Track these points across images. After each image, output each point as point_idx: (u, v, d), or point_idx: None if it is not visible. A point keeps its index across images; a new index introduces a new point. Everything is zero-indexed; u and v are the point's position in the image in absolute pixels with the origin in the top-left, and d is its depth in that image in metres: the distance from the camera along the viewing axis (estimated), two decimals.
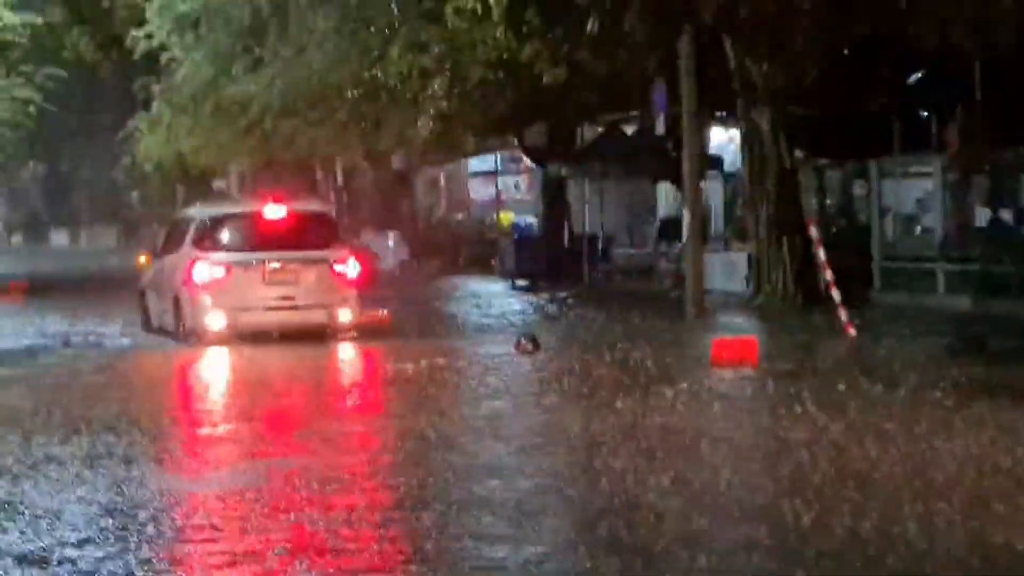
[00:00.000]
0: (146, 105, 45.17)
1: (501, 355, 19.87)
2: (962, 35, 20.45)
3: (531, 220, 45.10)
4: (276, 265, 22.30)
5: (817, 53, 22.52)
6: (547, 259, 36.72)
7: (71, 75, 47.45)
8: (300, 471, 11.32)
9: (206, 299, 22.15)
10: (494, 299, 31.71)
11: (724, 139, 35.41)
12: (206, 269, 22.31)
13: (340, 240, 23.84)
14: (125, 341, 23.97)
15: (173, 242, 24.11)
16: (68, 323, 27.04)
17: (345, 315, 22.48)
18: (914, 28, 21.43)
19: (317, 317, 22.34)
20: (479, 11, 22.86)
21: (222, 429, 14.36)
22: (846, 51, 25.28)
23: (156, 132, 43.65)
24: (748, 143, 27.38)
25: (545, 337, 21.31)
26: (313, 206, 25.04)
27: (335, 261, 22.67)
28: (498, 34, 23.91)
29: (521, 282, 36.14)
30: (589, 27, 20.95)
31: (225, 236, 23.03)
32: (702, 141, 29.21)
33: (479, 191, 53.53)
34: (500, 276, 38.47)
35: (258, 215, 23.08)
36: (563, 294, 31.89)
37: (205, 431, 14.39)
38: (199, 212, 24.42)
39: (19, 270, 47.79)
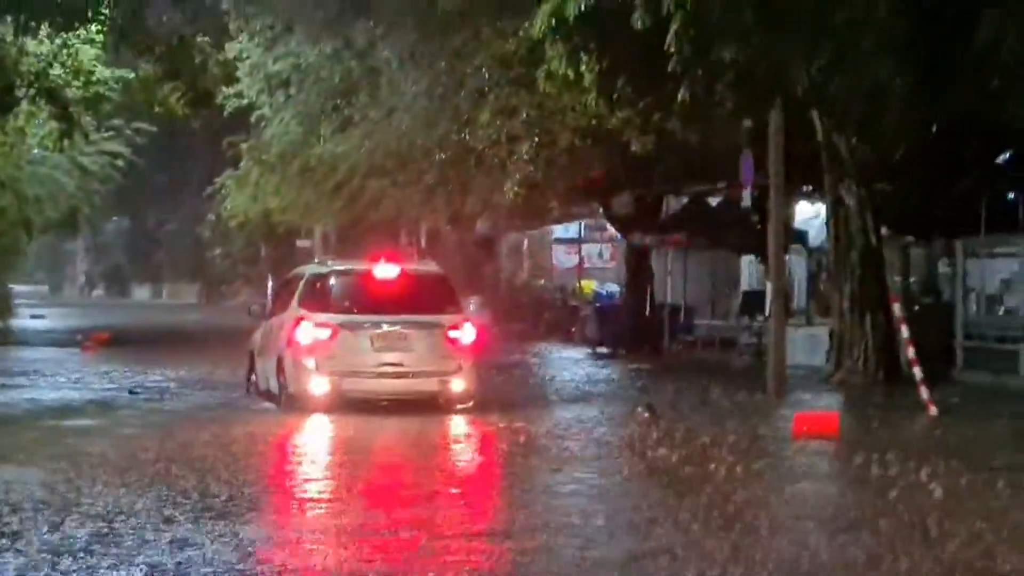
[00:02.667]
0: (234, 162, 45.63)
1: (605, 424, 19.90)
2: None
3: (613, 288, 45.19)
4: (386, 328, 20.90)
5: (907, 130, 22.45)
6: (628, 328, 36.70)
7: (160, 131, 47.95)
8: None
9: (309, 362, 20.75)
10: (577, 367, 31.68)
11: (810, 213, 35.38)
12: (310, 330, 20.92)
13: (456, 304, 22.13)
14: (212, 399, 23.38)
15: (282, 301, 22.97)
16: (161, 380, 27.13)
17: (459, 384, 20.99)
18: (1006, 108, 21.33)
19: (428, 386, 20.90)
20: (571, 77, 22.88)
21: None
22: (935, 128, 25.18)
23: (243, 189, 44.14)
24: (834, 218, 27.32)
25: (631, 407, 21.36)
26: (429, 267, 23.40)
27: (450, 326, 21.16)
28: (589, 101, 23.96)
29: (602, 350, 36.15)
30: (680, 96, 20.97)
31: (333, 296, 21.78)
32: (787, 215, 29.12)
33: (562, 258, 53.73)
34: (580, 343, 38.49)
35: (369, 275, 21.76)
36: (645, 364, 31.89)
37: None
38: (309, 269, 23.15)
39: (102, 322, 48.28)
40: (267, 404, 21.87)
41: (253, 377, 23.57)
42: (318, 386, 20.64)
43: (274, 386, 21.79)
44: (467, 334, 21.25)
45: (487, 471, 16.09)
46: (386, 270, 21.62)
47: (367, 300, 21.42)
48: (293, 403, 20.84)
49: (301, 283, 22.18)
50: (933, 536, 11.31)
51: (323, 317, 21.01)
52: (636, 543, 11.04)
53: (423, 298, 21.53)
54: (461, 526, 11.85)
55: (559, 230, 51.43)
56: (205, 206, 68.60)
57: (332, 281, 22.12)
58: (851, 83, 21.59)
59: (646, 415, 20.05)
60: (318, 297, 21.61)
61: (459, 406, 20.90)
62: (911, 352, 22.02)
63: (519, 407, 21.80)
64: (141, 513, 12.08)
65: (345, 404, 20.47)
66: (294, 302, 21.68)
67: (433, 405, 20.79)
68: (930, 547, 10.89)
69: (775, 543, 11.19)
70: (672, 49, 20.17)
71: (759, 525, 11.92)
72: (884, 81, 21.21)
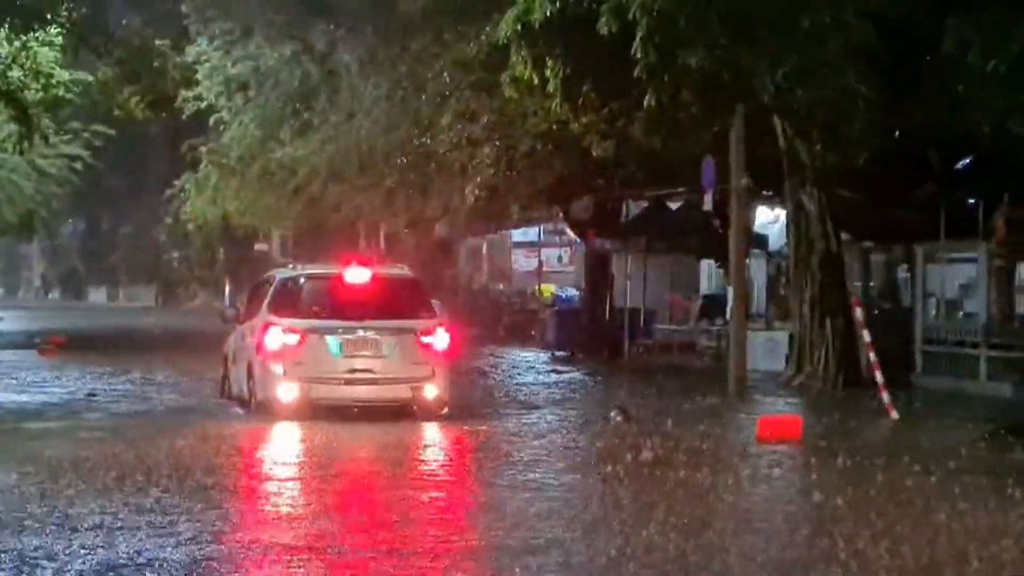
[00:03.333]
0: (193, 165, 45.49)
1: (570, 428, 19.93)
2: (1020, 125, 20.50)
3: (573, 292, 45.28)
4: (356, 334, 20.35)
5: (870, 138, 22.58)
6: (588, 332, 36.78)
7: (116, 134, 47.83)
8: None
9: (277, 368, 20.22)
10: (538, 371, 31.74)
11: (769, 218, 35.55)
12: (278, 335, 20.32)
13: (429, 308, 21.35)
14: (176, 403, 23.21)
15: (254, 306, 22.27)
16: (120, 383, 27.07)
17: (432, 391, 20.41)
18: (970, 116, 21.48)
19: (400, 392, 20.37)
20: (535, 82, 22.90)
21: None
22: (897, 135, 25.33)
23: (203, 193, 43.96)
24: (795, 223, 27.48)
25: (593, 410, 21.42)
26: (401, 271, 22.69)
27: (422, 331, 20.57)
28: (553, 106, 23.98)
29: (560, 353, 36.21)
30: (646, 102, 21.04)
31: (303, 300, 21.17)
32: (748, 219, 29.25)
33: (521, 262, 53.83)
34: (540, 347, 38.54)
35: (340, 279, 21.13)
36: (604, 368, 31.99)
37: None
38: (279, 274, 22.50)
39: (58, 325, 48.06)
40: (236, 409, 21.56)
41: (227, 383, 23.18)
42: (286, 392, 20.13)
43: (245, 392, 21.43)
44: (440, 339, 20.68)
45: (458, 483, 15.52)
46: (357, 274, 21.09)
47: (337, 305, 20.84)
48: (262, 409, 20.40)
49: (271, 288, 21.65)
50: (898, 536, 11.43)
51: (291, 322, 20.46)
52: (620, 551, 11.09)
53: (395, 302, 21.01)
54: (430, 544, 11.25)
55: (518, 234, 51.52)
56: (161, 209, 68.39)
57: (302, 285, 21.59)
58: (816, 90, 21.67)
59: (619, 419, 20.10)
60: (287, 302, 21.05)
61: (432, 413, 20.41)
62: (872, 356, 22.17)
63: (486, 414, 21.67)
64: (90, 521, 12.01)
65: (314, 411, 20.01)
66: (264, 307, 21.14)
67: (405, 413, 20.35)
68: (896, 547, 10.98)
69: (752, 545, 11.30)
70: (638, 55, 20.24)
71: (737, 528, 12.04)
72: (849, 88, 21.30)
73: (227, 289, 74.99)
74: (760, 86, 21.94)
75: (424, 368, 20.47)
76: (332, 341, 20.26)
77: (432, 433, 19.42)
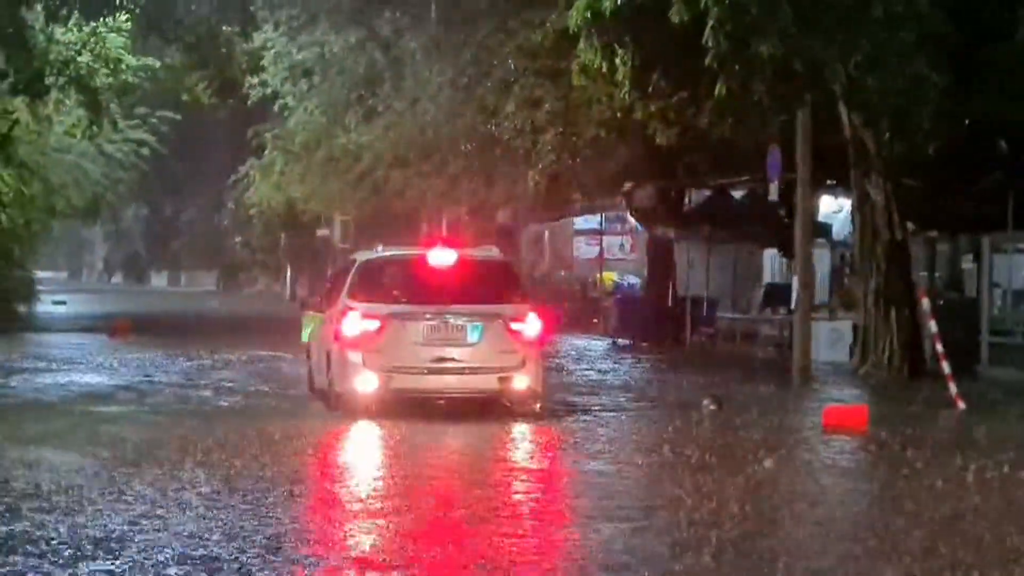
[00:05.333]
0: (258, 151, 45.79)
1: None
2: None
3: (634, 280, 45.32)
4: (440, 320, 18.93)
5: (940, 126, 22.51)
6: (650, 320, 36.79)
7: (182, 120, 48.13)
8: None
9: (356, 357, 18.80)
10: (604, 359, 31.78)
11: (833, 207, 35.46)
12: (357, 322, 18.92)
13: (521, 293, 19.96)
14: (247, 390, 22.86)
15: (335, 292, 20.68)
16: (188, 367, 27.27)
17: (522, 382, 18.92)
18: None
19: (488, 383, 18.94)
20: (604, 71, 22.93)
21: None
22: (966, 124, 25.24)
23: (267, 178, 44.28)
24: (860, 213, 27.38)
25: (678, 399, 21.42)
26: (490, 253, 21.17)
27: (512, 318, 19.07)
28: (621, 95, 24.01)
29: (623, 341, 36.27)
30: (717, 91, 21.05)
31: (383, 285, 19.79)
32: (812, 208, 29.20)
33: (583, 249, 53.86)
34: (601, 335, 38.61)
35: (424, 261, 19.66)
36: (666, 355, 32.04)
37: None
38: (360, 257, 21.10)
39: (123, 308, 48.45)
40: (315, 402, 20.60)
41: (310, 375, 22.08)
42: (365, 383, 18.76)
43: (324, 383, 20.20)
44: (532, 326, 19.18)
45: (556, 487, 14.26)
46: (442, 256, 19.62)
47: (421, 289, 19.41)
48: (341, 401, 19.18)
49: (351, 272, 20.26)
50: (966, 527, 11.45)
51: (371, 307, 19.07)
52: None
53: (483, 286, 19.57)
54: (526, 557, 10.20)
55: (580, 221, 51.55)
56: (224, 194, 68.90)
57: (383, 269, 20.28)
58: (886, 79, 21.61)
59: (712, 408, 20.08)
60: (368, 286, 19.66)
61: (523, 406, 19.11)
62: (939, 347, 22.09)
63: (570, 405, 20.94)
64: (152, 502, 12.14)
65: (395, 403, 18.76)
66: (343, 292, 19.77)
67: (494, 406, 19.09)
68: (963, 538, 11.00)
69: (825, 533, 11.36)
70: (709, 44, 20.27)
71: (807, 516, 12.09)
72: (919, 77, 21.25)
73: (288, 274, 75.50)
74: (831, 75, 21.92)
75: (514, 357, 18.97)
76: (415, 328, 18.92)
77: (522, 428, 18.18)
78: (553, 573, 9.81)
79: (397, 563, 9.85)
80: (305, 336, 22.71)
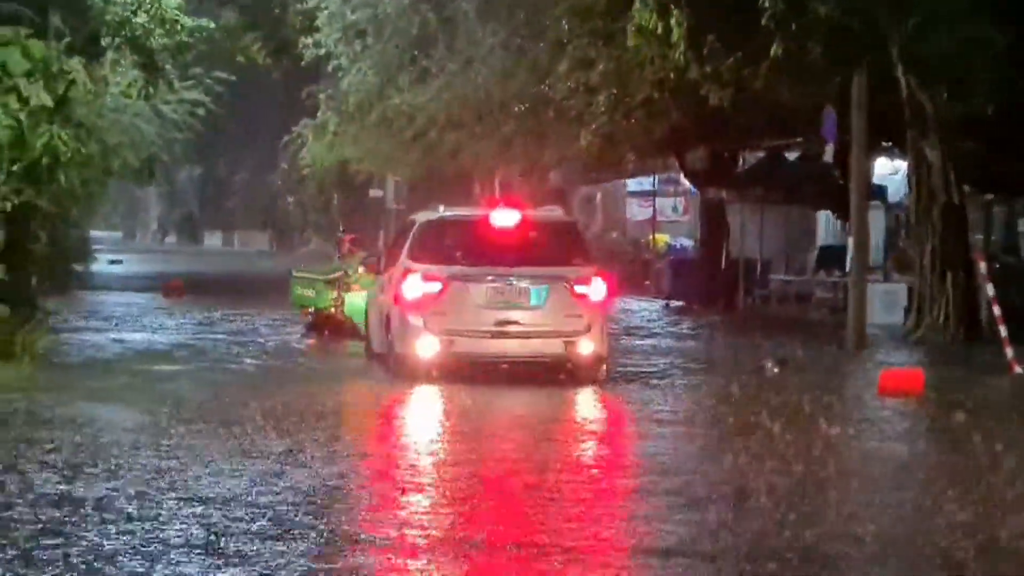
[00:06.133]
0: (311, 112, 45.82)
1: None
2: None
3: (687, 242, 45.21)
4: (504, 282, 18.53)
5: (997, 87, 22.34)
6: (702, 282, 36.73)
7: (235, 81, 48.21)
8: None
9: (417, 320, 18.47)
10: (658, 321, 31.75)
11: (888, 169, 35.27)
12: (418, 283, 18.59)
13: (586, 255, 19.45)
14: (305, 351, 23.15)
15: (394, 254, 20.39)
16: (246, 327, 27.38)
17: (587, 346, 18.45)
18: None
19: (552, 347, 18.46)
20: (659, 32, 22.83)
21: None
22: None
23: (321, 139, 44.31)
24: (916, 175, 27.25)
25: (721, 361, 21.38)
26: (554, 213, 20.83)
27: (577, 280, 18.61)
28: (674, 55, 23.91)
29: (675, 303, 36.24)
30: (773, 52, 20.95)
31: (445, 246, 19.32)
32: (867, 170, 29.04)
33: (635, 211, 53.76)
34: (654, 297, 38.58)
35: (486, 222, 19.24)
36: (720, 318, 32.00)
37: None
38: (420, 217, 20.58)
39: (178, 268, 48.70)
40: (375, 365, 20.30)
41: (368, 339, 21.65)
42: (426, 347, 18.41)
43: (384, 347, 19.83)
44: (597, 289, 18.73)
45: (628, 456, 13.94)
46: (505, 217, 19.20)
47: (483, 250, 18.95)
48: (401, 365, 18.87)
49: (412, 233, 19.89)
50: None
51: (432, 269, 18.71)
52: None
53: (547, 248, 19.16)
54: (593, 540, 9.61)
55: (633, 183, 51.42)
56: (277, 155, 68.98)
57: (444, 230, 19.79)
58: (944, 40, 21.46)
59: (776, 369, 20.06)
60: (429, 247, 19.25)
61: (588, 372, 18.59)
62: (996, 310, 21.97)
63: (632, 369, 20.67)
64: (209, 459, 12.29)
65: (457, 367, 18.36)
66: (403, 254, 19.42)
67: (558, 370, 18.66)
68: (1020, 502, 10.99)
69: (889, 500, 11.36)
70: (766, 4, 20.18)
71: (872, 481, 12.11)
72: (978, 38, 21.08)
73: (340, 233, 75.53)
74: (888, 36, 21.78)
75: (579, 321, 18.48)
76: (477, 290, 18.52)
77: (587, 393, 17.97)
78: (624, 549, 9.63)
79: (456, 531, 9.82)
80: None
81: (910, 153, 27.45)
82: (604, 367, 18.83)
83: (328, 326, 25.66)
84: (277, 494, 10.75)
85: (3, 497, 10.47)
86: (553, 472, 12.04)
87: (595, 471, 12.86)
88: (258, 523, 9.72)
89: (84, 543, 9.05)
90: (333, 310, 25.50)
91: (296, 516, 10.01)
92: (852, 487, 11.88)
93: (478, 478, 11.86)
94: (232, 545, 9.05)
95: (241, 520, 9.79)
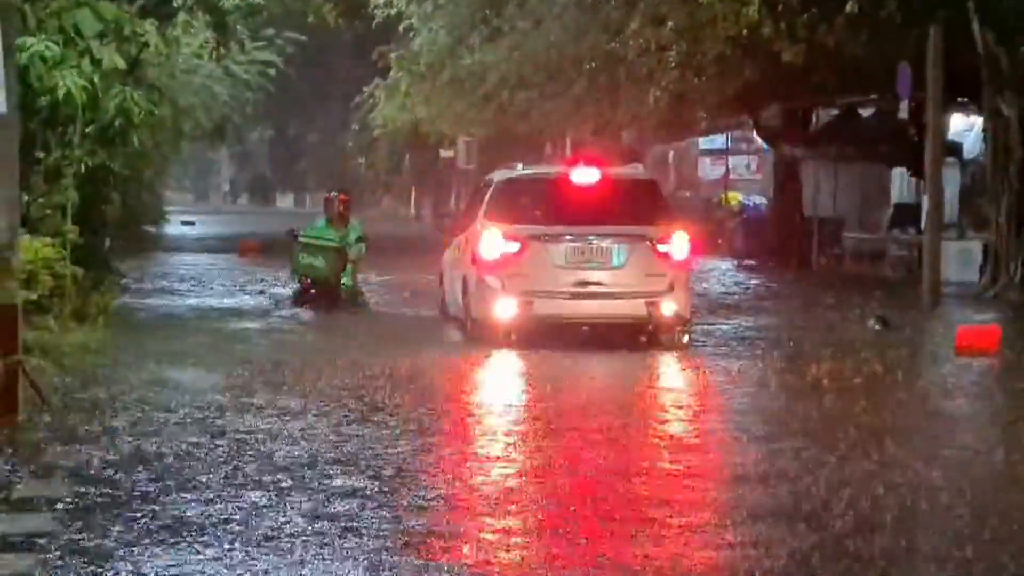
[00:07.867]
0: (381, 72, 45.87)
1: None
2: None
3: (760, 200, 45.02)
4: (584, 241, 18.08)
5: None
6: (776, 241, 36.59)
7: (306, 41, 48.28)
8: None
9: (495, 281, 18.07)
10: (734, 281, 31.59)
11: (963, 126, 34.96)
12: (496, 244, 18.17)
13: (668, 213, 18.99)
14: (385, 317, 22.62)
15: (471, 214, 19.96)
16: None
17: (670, 307, 17.94)
18: None
19: (634, 308, 17.90)
20: None
21: None
22: None
23: (392, 99, 44.39)
24: (992, 131, 27.04)
25: (804, 320, 21.24)
26: (635, 171, 20.32)
27: (659, 239, 18.09)
28: (749, 11, 23.73)
29: (749, 262, 36.12)
30: (848, 7, 20.78)
31: (523, 205, 18.83)
32: (943, 127, 28.79)
33: (707, 170, 53.59)
34: (726, 255, 38.46)
35: (566, 180, 18.78)
36: (794, 276, 31.88)
37: None
38: (497, 176, 20.07)
39: (251, 229, 48.95)
40: (451, 329, 19.82)
41: (443, 301, 21.15)
42: (505, 309, 18.01)
43: (460, 310, 19.42)
44: (679, 248, 18.25)
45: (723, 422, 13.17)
46: (585, 175, 18.70)
47: (563, 209, 18.51)
48: (478, 328, 18.45)
49: (489, 192, 19.45)
50: None
51: (511, 228, 18.28)
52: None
53: (628, 206, 18.56)
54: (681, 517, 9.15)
55: (705, 141, 51.27)
56: (348, 115, 69.05)
57: (522, 189, 19.26)
58: None
59: (878, 328, 20.04)
60: (507, 207, 18.78)
61: (671, 333, 18.13)
62: None
63: (719, 331, 20.25)
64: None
65: (536, 329, 17.97)
66: (480, 213, 19.01)
67: (640, 332, 18.18)
68: None
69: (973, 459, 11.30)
70: None
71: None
72: None
73: (413, 196, 75.75)
74: None
75: (661, 281, 17.97)
76: (556, 250, 18.08)
77: (671, 356, 17.38)
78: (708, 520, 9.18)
79: (538, 503, 9.63)
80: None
81: (986, 109, 27.23)
82: (687, 328, 18.38)
83: (326, 299, 23.31)
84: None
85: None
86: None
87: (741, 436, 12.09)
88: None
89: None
90: (334, 281, 23.35)
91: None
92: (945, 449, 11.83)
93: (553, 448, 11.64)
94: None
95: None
